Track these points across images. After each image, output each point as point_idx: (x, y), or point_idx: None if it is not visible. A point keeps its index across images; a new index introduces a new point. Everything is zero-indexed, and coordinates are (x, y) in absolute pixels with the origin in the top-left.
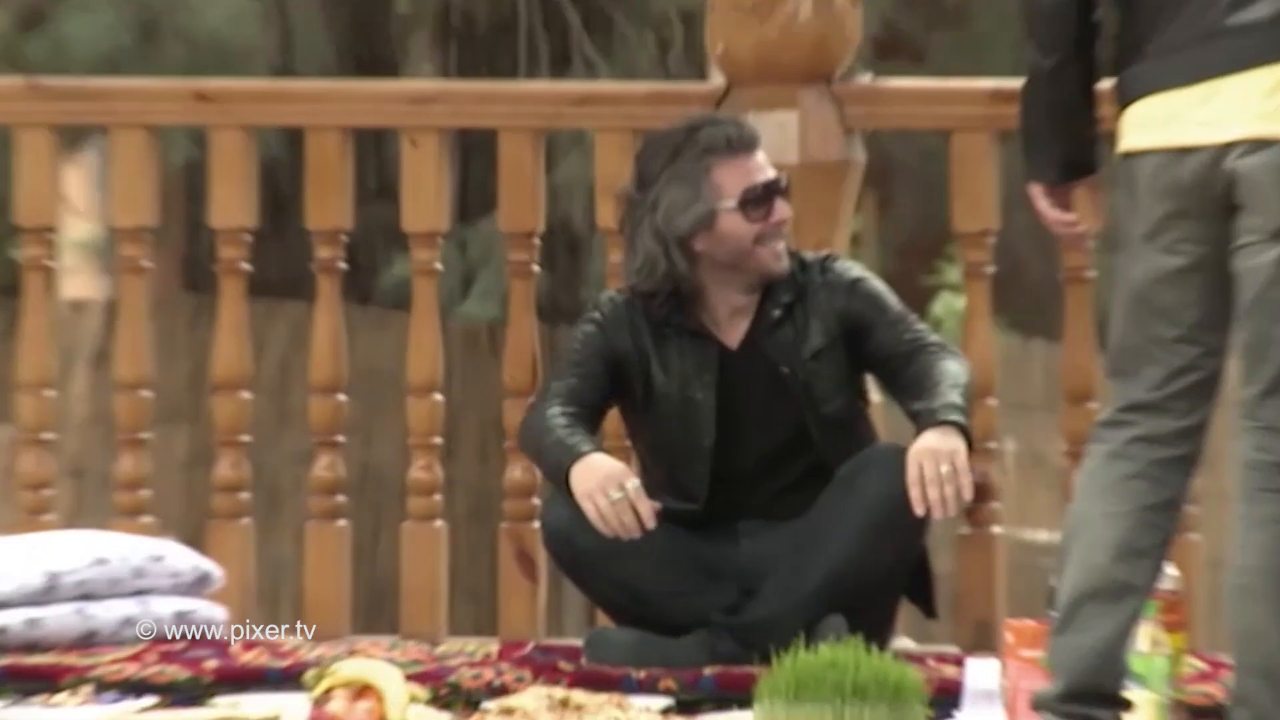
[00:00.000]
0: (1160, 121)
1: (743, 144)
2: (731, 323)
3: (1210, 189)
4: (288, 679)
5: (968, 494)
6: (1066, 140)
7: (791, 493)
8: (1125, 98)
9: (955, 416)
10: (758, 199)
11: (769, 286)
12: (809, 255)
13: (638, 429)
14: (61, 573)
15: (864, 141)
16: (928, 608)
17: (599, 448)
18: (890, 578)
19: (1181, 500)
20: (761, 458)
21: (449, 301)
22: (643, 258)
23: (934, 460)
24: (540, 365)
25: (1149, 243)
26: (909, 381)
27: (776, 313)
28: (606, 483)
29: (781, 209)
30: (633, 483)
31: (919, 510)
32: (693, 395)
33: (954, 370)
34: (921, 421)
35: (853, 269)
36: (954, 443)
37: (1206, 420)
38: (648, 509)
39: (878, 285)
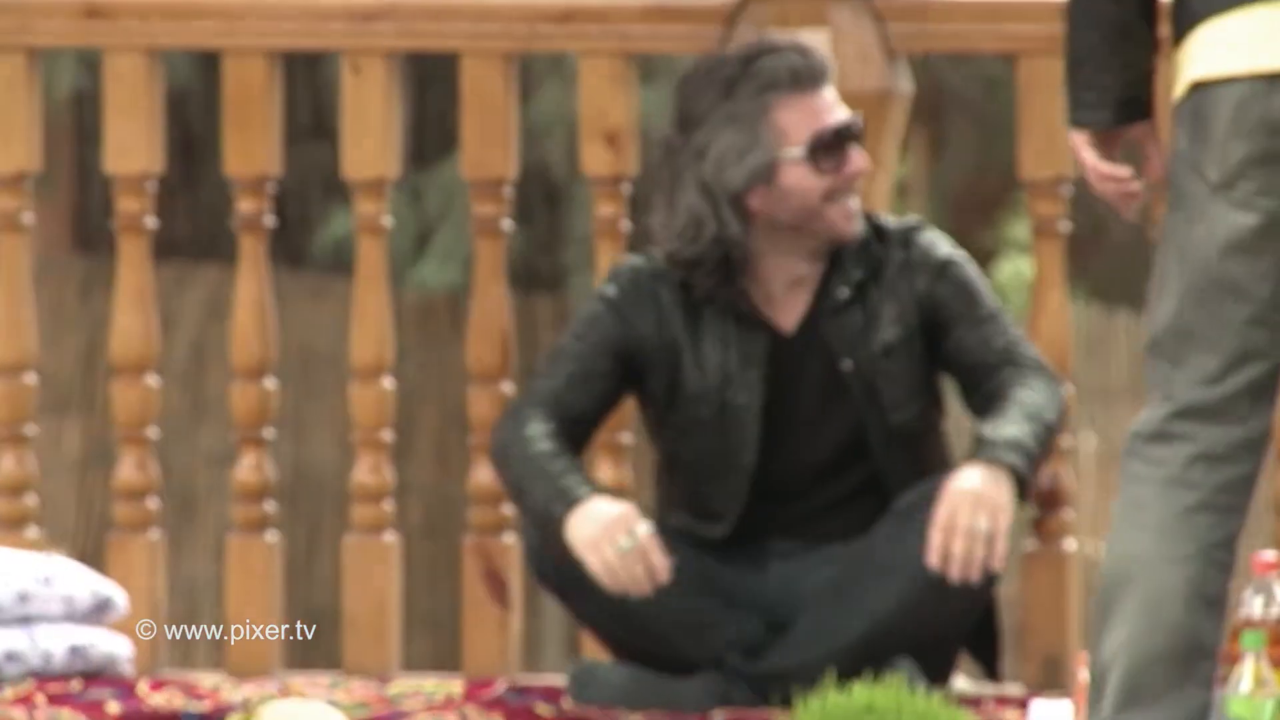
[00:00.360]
0: (1247, 41)
1: (810, 77)
2: (788, 299)
3: None
4: None
5: (998, 563)
6: (1125, 71)
7: (836, 510)
8: (1197, 14)
9: (1015, 459)
10: (828, 146)
11: (837, 256)
12: (890, 222)
13: (658, 430)
14: None
15: (911, 68)
16: (989, 667)
17: (597, 489)
18: (949, 632)
19: (1242, 529)
20: (808, 471)
21: (400, 265)
22: (686, 217)
23: (972, 510)
24: (512, 344)
25: (1221, 194)
26: (985, 397)
27: (844, 292)
28: (613, 529)
29: (857, 159)
30: (643, 527)
31: (933, 560)
32: (733, 399)
33: (1037, 401)
34: (976, 451)
35: (941, 244)
36: (1002, 494)
37: (1271, 427)
38: (661, 561)
39: (971, 271)
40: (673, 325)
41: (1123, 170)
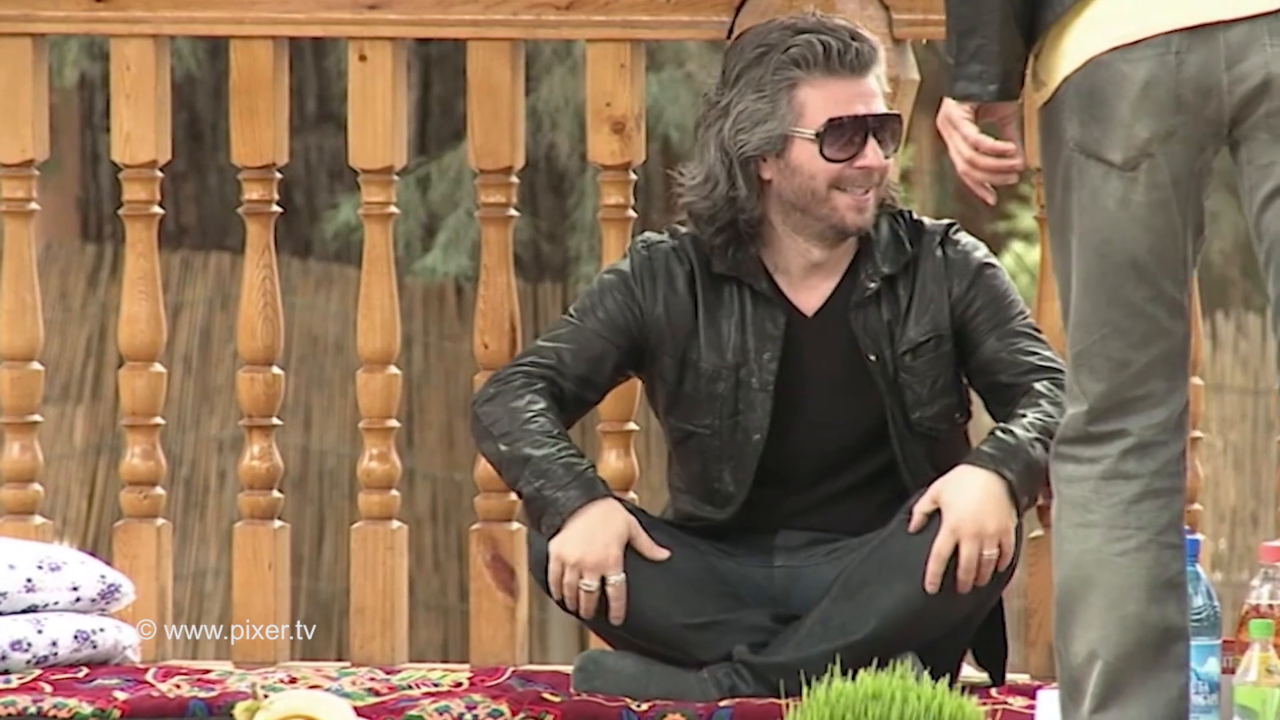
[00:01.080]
0: (1150, 5)
1: (845, 63)
2: (808, 282)
3: (1214, 99)
4: (214, 713)
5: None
6: (1012, 45)
7: (849, 498)
8: None
9: (1012, 472)
10: (842, 134)
11: (865, 249)
12: (928, 221)
13: (669, 409)
14: None
15: (917, 56)
16: (993, 671)
17: (605, 488)
18: (957, 633)
19: (1184, 505)
20: (821, 458)
21: (407, 254)
22: (705, 172)
23: (976, 543)
24: (519, 331)
25: (1121, 176)
26: (1010, 411)
27: (872, 285)
28: (592, 568)
29: (873, 154)
30: (617, 578)
31: (931, 587)
32: (746, 379)
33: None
34: (979, 451)
35: (979, 248)
36: (1003, 515)
37: (1188, 400)
38: (620, 611)
39: (1005, 278)
40: (686, 304)
41: (1009, 146)
